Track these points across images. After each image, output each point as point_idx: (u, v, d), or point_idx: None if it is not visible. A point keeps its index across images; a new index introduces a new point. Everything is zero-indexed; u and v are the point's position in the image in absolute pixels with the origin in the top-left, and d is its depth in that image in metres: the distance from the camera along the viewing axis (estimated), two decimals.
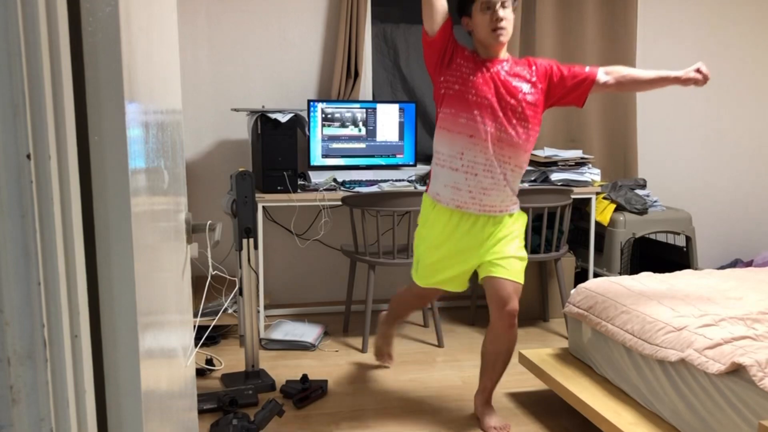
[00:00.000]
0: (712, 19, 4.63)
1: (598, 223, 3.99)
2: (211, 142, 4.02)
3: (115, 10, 0.82)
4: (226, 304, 3.35)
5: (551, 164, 3.90)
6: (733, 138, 4.77)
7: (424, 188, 3.34)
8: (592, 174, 3.93)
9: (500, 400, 2.87)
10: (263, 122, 3.50)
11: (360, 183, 3.73)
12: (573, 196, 3.75)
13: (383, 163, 4.02)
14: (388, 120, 3.99)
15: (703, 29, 4.63)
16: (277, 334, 3.55)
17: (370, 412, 2.78)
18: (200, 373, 3.14)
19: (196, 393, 1.57)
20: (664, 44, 4.56)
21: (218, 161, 4.02)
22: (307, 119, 3.74)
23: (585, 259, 4.07)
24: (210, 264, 1.57)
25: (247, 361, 3.03)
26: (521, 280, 2.56)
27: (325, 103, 3.88)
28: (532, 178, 3.94)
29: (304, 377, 2.94)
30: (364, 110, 3.95)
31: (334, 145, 3.93)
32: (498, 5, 2.38)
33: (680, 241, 4.22)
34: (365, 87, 4.13)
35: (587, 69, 2.53)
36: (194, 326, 1.69)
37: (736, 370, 1.93)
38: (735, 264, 4.57)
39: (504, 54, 2.50)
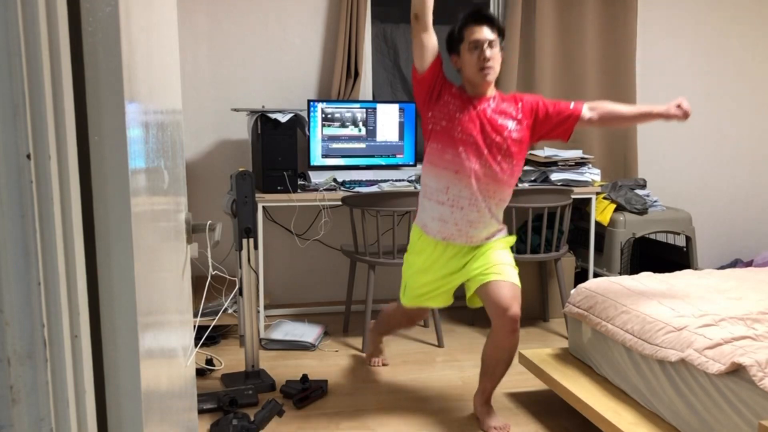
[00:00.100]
0: (712, 19, 4.63)
1: (598, 223, 3.98)
2: (211, 142, 4.02)
3: (115, 10, 0.82)
4: (226, 304, 3.34)
5: (551, 164, 3.90)
6: (733, 138, 4.77)
7: None
8: (592, 174, 3.93)
9: (500, 400, 2.87)
10: (263, 122, 3.50)
11: (360, 183, 3.73)
12: (573, 196, 3.75)
13: (383, 163, 4.02)
14: (388, 120, 3.99)
15: (703, 29, 4.62)
16: (277, 334, 3.55)
17: (370, 412, 2.78)
18: (200, 373, 3.14)
19: (196, 393, 1.57)
20: (664, 44, 4.56)
21: (218, 161, 4.02)
22: (307, 119, 3.74)
23: (585, 259, 4.06)
24: (210, 264, 1.56)
25: (247, 361, 3.03)
26: (518, 283, 2.56)
27: (325, 103, 3.88)
28: (532, 178, 3.94)
29: (304, 377, 2.94)
30: (364, 110, 3.95)
31: (334, 145, 3.92)
32: (485, 45, 2.44)
33: (680, 241, 4.22)
34: (365, 87, 4.13)
35: (572, 105, 2.58)
36: (194, 326, 1.69)
37: (736, 370, 1.93)
38: (735, 264, 4.57)
39: (491, 91, 2.57)
